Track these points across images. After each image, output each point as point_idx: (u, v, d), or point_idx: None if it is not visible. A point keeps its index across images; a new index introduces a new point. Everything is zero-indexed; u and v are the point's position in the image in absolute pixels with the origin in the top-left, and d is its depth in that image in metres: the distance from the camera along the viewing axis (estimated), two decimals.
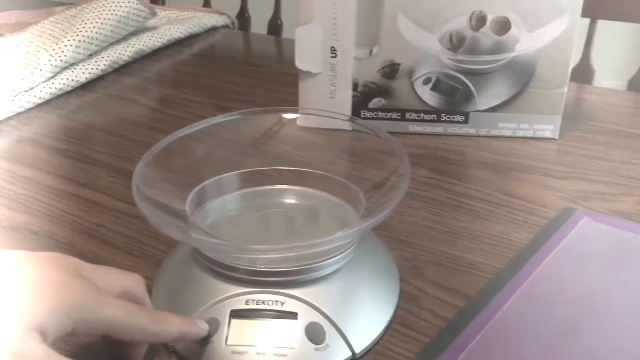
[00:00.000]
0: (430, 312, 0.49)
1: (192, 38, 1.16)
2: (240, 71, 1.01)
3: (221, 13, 1.25)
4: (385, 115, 0.77)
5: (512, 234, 0.58)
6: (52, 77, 0.88)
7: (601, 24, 1.17)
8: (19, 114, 0.84)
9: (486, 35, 0.72)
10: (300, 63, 0.75)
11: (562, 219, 0.59)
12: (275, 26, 1.47)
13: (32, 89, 0.85)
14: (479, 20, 0.72)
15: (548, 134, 0.76)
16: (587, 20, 1.16)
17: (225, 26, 1.24)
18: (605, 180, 0.67)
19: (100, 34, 0.95)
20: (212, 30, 1.21)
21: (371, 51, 0.74)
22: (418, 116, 0.77)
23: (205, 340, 0.43)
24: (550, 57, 0.73)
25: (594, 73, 1.17)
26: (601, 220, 0.58)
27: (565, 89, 0.74)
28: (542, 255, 0.54)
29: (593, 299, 0.48)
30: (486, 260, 0.55)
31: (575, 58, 0.88)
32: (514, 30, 0.72)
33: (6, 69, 0.87)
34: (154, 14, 1.06)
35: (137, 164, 0.48)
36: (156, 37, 1.07)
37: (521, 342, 0.44)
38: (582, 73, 1.16)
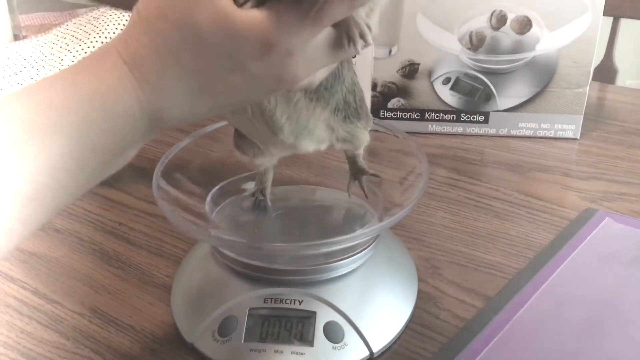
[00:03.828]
0: (448, 312, 0.48)
1: None
2: None
3: None
4: (405, 115, 0.77)
5: (532, 235, 0.58)
6: None
7: (624, 22, 1.15)
8: None
9: (506, 35, 0.72)
10: None
11: (583, 220, 0.58)
12: None
13: None
14: (500, 20, 0.71)
15: (569, 134, 0.76)
16: (609, 19, 1.14)
17: None
18: (627, 180, 0.67)
19: None
20: None
21: (390, 51, 0.74)
22: (437, 116, 0.76)
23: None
24: (572, 56, 0.72)
25: (617, 72, 1.16)
26: (623, 221, 0.58)
27: (587, 89, 0.73)
28: (563, 256, 0.53)
29: (614, 300, 0.48)
30: (505, 260, 0.54)
31: (597, 57, 0.87)
32: (534, 30, 0.72)
33: (30, 70, 0.89)
34: None
35: (157, 163, 0.48)
36: None
37: (540, 344, 0.44)
38: (605, 72, 1.15)
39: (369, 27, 0.36)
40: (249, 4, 0.33)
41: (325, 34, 0.35)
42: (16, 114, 0.33)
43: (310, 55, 0.35)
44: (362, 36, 0.36)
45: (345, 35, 0.36)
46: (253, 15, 0.33)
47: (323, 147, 0.45)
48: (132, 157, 0.38)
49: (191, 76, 0.35)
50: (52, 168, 0.33)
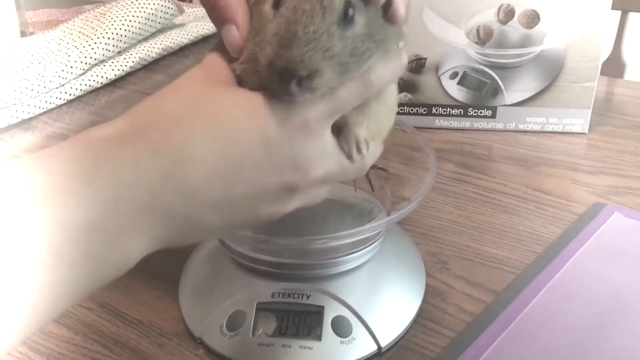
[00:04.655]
0: (456, 306, 0.48)
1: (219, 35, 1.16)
2: None
3: None
4: (412, 110, 0.77)
5: (540, 229, 0.57)
6: (82, 74, 0.90)
7: (632, 16, 1.14)
8: (50, 110, 0.86)
9: (514, 29, 0.72)
10: None
11: (592, 215, 0.58)
12: None
13: (62, 85, 0.87)
14: (507, 14, 0.71)
15: (577, 129, 0.75)
16: (618, 13, 1.14)
17: None
18: (636, 175, 0.66)
19: (129, 31, 0.96)
20: None
21: (397, 46, 0.74)
22: (445, 111, 0.76)
23: None
24: (580, 50, 0.72)
25: (625, 66, 1.15)
26: (632, 215, 0.57)
27: (595, 83, 0.73)
28: (571, 250, 0.53)
29: (623, 295, 0.48)
30: (513, 255, 0.54)
31: (605, 51, 0.87)
32: (542, 23, 0.71)
33: (37, 66, 0.89)
34: (181, 11, 1.07)
35: None
36: (183, 34, 1.08)
37: (549, 338, 0.44)
38: (613, 66, 1.14)
39: (367, 143, 0.37)
40: None
41: (331, 137, 0.36)
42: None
43: (319, 149, 0.35)
44: (357, 145, 0.37)
45: (343, 140, 0.37)
46: None
47: None
48: (133, 264, 0.31)
49: (209, 140, 0.32)
50: (26, 262, 0.26)
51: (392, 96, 0.40)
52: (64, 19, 1.15)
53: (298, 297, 0.44)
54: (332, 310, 0.44)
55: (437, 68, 0.74)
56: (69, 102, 0.88)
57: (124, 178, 0.29)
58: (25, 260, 0.26)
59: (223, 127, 0.32)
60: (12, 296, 0.26)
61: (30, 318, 0.27)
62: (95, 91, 0.91)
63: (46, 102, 0.84)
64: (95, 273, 0.29)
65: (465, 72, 0.74)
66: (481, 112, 0.76)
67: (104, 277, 0.30)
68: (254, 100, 0.33)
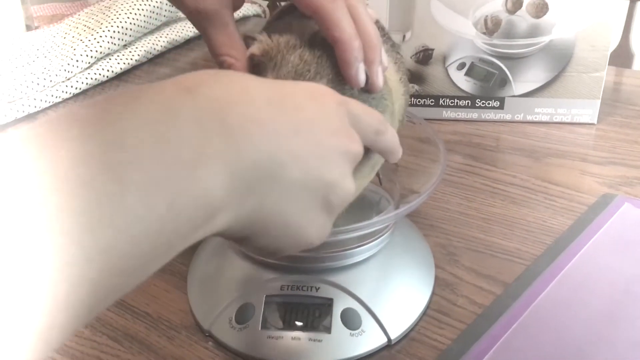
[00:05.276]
0: (466, 298, 0.48)
1: None
2: None
3: (252, 2, 1.25)
4: (419, 102, 0.76)
5: (549, 221, 0.57)
6: (87, 68, 0.90)
7: None
8: (56, 104, 0.85)
9: (522, 19, 0.71)
10: None
11: (602, 205, 0.57)
12: None
13: (68, 79, 0.87)
14: (515, 3, 0.70)
15: (586, 119, 0.75)
16: (626, 2, 1.12)
17: (257, 15, 1.24)
18: None
19: (134, 24, 0.96)
20: (244, 19, 1.21)
21: (404, 37, 0.73)
22: (452, 102, 0.76)
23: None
24: (589, 40, 0.71)
25: (634, 56, 1.14)
26: None
27: (604, 73, 0.72)
28: (582, 242, 0.52)
29: (634, 287, 0.47)
30: (523, 247, 0.54)
31: (614, 41, 0.86)
32: (551, 13, 0.70)
33: (43, 60, 0.89)
34: None
35: None
36: (189, 27, 1.07)
37: (560, 330, 0.44)
38: (622, 56, 1.13)
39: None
40: None
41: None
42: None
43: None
44: None
45: None
46: None
47: None
48: (217, 217, 0.27)
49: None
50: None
51: (365, 183, 0.43)
52: (69, 12, 1.14)
53: (307, 290, 0.44)
54: (342, 303, 0.43)
55: (444, 59, 0.74)
56: (75, 96, 0.88)
57: (178, 100, 0.25)
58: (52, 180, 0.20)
59: (276, 86, 0.32)
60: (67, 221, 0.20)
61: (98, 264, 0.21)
62: (101, 85, 0.91)
63: (52, 96, 0.84)
64: (174, 209, 0.24)
65: (472, 62, 0.73)
66: (489, 103, 0.75)
67: (188, 217, 0.25)
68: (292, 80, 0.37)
